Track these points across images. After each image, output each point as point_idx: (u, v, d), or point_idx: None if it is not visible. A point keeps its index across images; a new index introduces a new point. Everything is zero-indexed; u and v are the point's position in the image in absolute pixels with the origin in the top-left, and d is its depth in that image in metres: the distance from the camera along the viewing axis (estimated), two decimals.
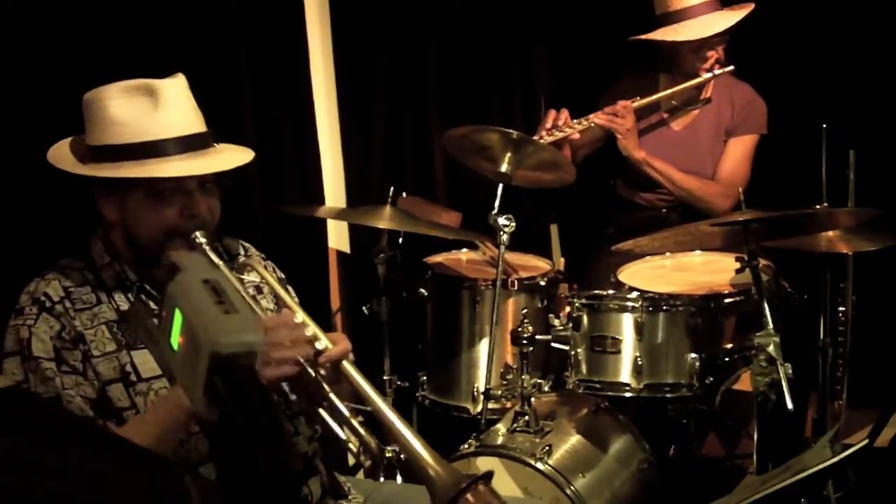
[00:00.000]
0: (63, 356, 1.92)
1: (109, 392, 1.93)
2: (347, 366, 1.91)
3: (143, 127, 1.95)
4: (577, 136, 3.31)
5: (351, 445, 1.90)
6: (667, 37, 3.40)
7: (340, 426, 1.91)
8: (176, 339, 1.05)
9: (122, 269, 2.02)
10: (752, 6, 3.40)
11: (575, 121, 3.30)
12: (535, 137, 3.19)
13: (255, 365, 1.00)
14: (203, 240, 1.98)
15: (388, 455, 2.84)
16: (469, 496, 1.76)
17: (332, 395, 1.89)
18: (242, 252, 2.24)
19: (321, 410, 1.93)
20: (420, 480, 1.84)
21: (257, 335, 1.01)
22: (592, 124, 3.33)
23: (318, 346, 1.88)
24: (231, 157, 2.06)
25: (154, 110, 1.96)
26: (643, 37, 3.45)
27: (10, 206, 2.55)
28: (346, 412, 1.90)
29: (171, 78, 2.02)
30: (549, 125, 3.27)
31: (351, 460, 3.41)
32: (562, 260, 3.66)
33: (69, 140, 2.08)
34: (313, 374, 1.86)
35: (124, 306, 2.00)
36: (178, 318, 1.05)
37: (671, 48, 3.44)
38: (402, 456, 2.81)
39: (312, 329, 1.91)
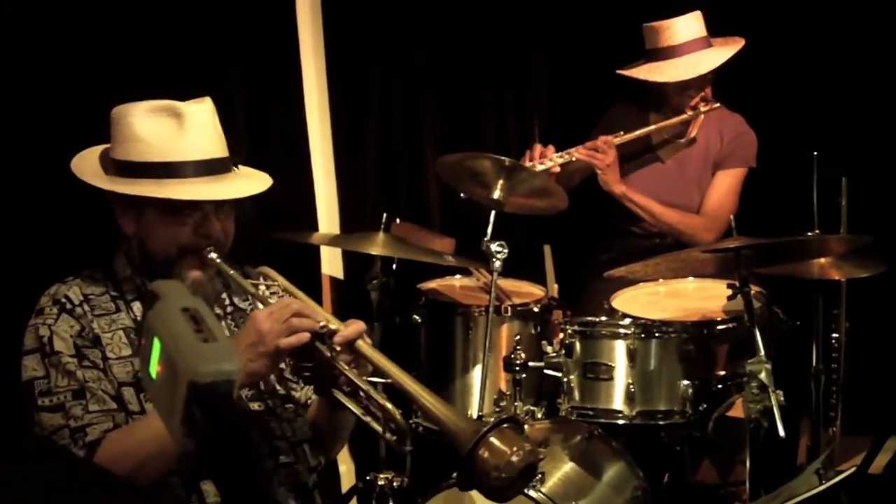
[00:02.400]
0: (84, 353, 1.97)
1: (123, 394, 1.98)
2: (362, 344, 1.96)
3: (165, 147, 2.00)
4: (557, 169, 3.30)
5: (375, 426, 1.96)
6: (650, 76, 3.43)
7: (361, 409, 1.98)
8: (154, 368, 1.05)
9: (143, 281, 2.08)
10: (741, 43, 3.42)
11: (556, 154, 3.31)
12: None
13: (234, 394, 1.00)
14: (214, 254, 2.04)
15: (381, 483, 2.85)
16: (492, 438, 1.79)
17: (349, 373, 1.94)
18: (262, 279, 2.25)
19: (339, 395, 1.98)
20: (444, 437, 1.87)
21: (236, 364, 1.00)
22: (574, 158, 3.34)
23: (332, 327, 1.94)
24: (247, 184, 2.11)
25: (178, 132, 2.00)
26: (628, 74, 3.48)
27: (37, 215, 2.64)
28: (365, 387, 1.95)
29: (198, 102, 2.06)
30: (532, 156, 3.29)
31: (344, 487, 3.43)
32: (555, 286, 3.65)
33: (99, 148, 2.12)
34: (329, 354, 1.92)
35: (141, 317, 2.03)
36: (156, 346, 1.05)
37: (658, 85, 3.45)
38: (394, 484, 2.82)
39: (325, 315, 1.97)
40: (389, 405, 1.93)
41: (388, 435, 1.95)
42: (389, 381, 1.96)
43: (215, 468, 0.98)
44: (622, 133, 3.43)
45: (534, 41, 4.13)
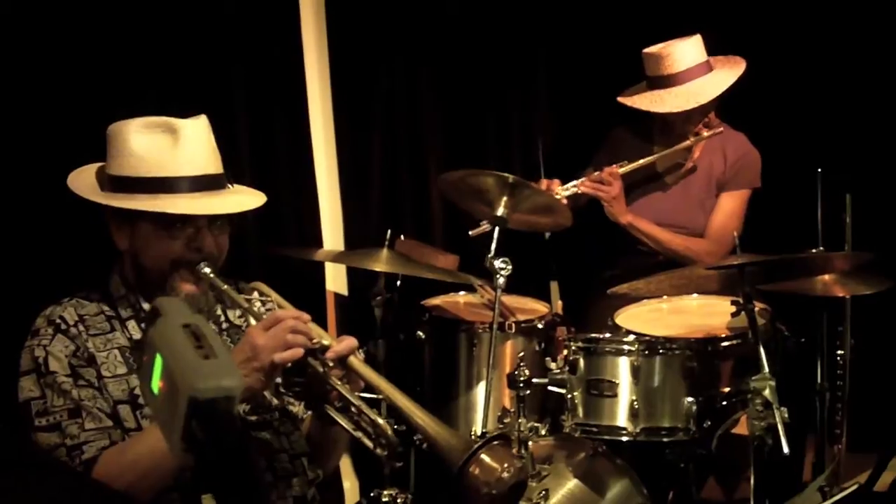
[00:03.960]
0: (79, 372, 1.98)
1: (119, 411, 1.99)
2: (354, 360, 1.97)
3: (160, 163, 2.02)
4: (564, 202, 3.30)
5: (366, 441, 1.97)
6: (653, 107, 3.41)
7: (352, 424, 1.98)
8: (156, 384, 1.06)
9: (137, 299, 2.10)
10: (741, 65, 3.40)
11: (562, 187, 3.32)
12: None
13: (234, 410, 1.00)
14: (207, 269, 2.05)
15: (384, 499, 2.85)
16: (483, 454, 1.81)
17: (340, 388, 1.95)
18: (257, 296, 2.26)
19: (331, 410, 2.00)
20: (436, 454, 1.89)
21: (236, 380, 1.01)
22: (580, 191, 3.35)
23: (325, 342, 1.95)
24: (241, 200, 2.13)
25: (172, 148, 2.02)
26: (630, 104, 3.47)
27: (35, 239, 2.66)
28: (357, 402, 1.96)
29: (193, 118, 2.08)
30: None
31: (347, 498, 3.42)
32: (559, 303, 3.65)
33: (96, 165, 2.15)
34: (321, 369, 1.93)
35: (137, 335, 2.07)
36: (158, 362, 1.06)
37: (661, 114, 3.45)
38: (398, 500, 2.81)
39: (317, 331, 1.98)
40: (381, 421, 1.94)
41: (378, 450, 1.96)
42: (381, 397, 1.98)
43: (215, 483, 0.98)
44: (626, 162, 3.42)
45: (537, 57, 4.13)
